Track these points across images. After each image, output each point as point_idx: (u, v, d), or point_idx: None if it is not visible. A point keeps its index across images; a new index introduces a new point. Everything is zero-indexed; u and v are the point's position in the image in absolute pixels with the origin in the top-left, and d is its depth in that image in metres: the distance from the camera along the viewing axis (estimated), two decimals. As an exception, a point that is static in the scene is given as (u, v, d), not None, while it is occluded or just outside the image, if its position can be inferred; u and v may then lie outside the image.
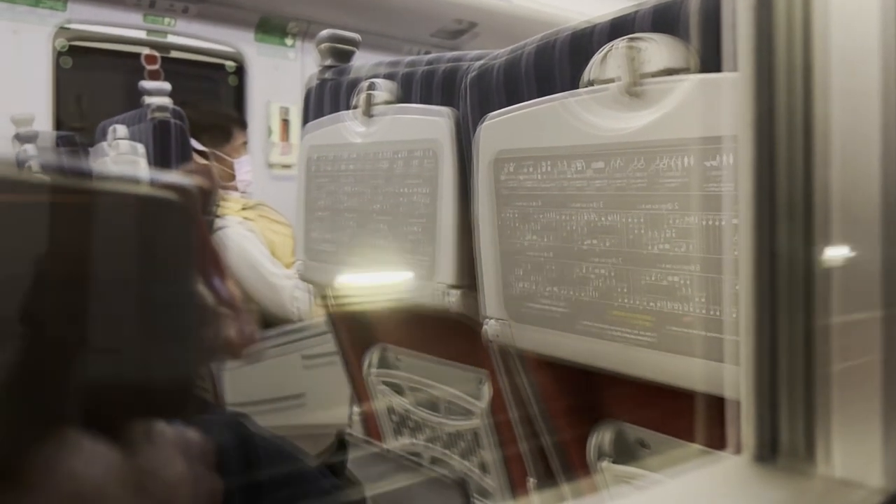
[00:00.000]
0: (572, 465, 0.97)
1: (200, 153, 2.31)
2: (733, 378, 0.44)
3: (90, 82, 2.90)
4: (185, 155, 2.03)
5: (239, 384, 1.89)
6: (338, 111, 1.25)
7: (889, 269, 0.38)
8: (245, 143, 2.51)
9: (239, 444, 0.48)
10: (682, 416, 0.65)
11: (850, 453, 0.40)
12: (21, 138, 2.26)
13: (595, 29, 0.83)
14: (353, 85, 1.21)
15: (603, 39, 0.80)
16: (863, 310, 0.39)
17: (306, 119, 1.35)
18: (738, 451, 0.43)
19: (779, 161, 0.42)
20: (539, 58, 0.89)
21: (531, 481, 1.05)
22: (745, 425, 0.43)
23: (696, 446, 0.61)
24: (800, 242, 0.41)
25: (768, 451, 0.43)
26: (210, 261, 0.41)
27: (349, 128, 1.20)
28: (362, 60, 1.34)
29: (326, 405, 1.77)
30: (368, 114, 1.16)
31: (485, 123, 0.92)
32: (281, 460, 0.52)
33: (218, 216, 2.10)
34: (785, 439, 0.42)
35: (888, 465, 0.39)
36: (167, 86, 2.15)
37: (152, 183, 0.29)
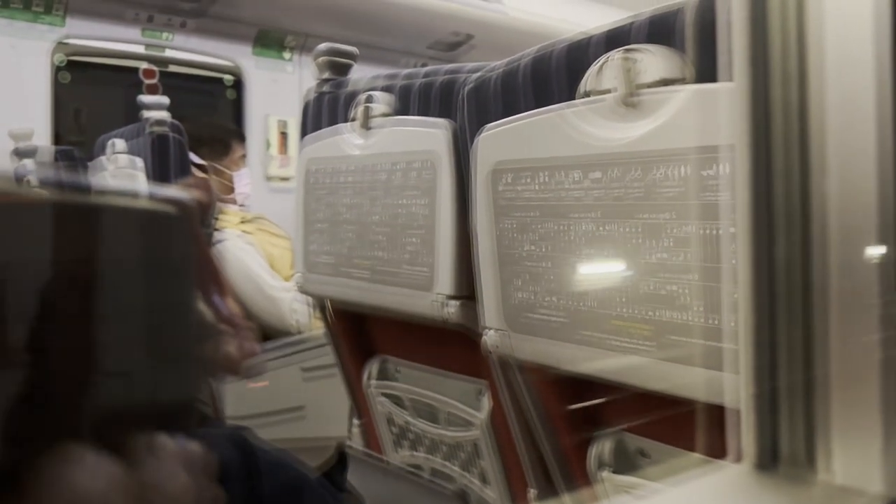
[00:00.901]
0: (573, 475, 0.97)
1: (199, 167, 2.32)
2: (733, 386, 0.44)
3: (89, 97, 2.91)
4: (183, 168, 2.03)
5: (239, 397, 1.89)
6: (336, 124, 1.25)
7: (886, 276, 0.39)
8: (243, 156, 2.52)
9: (240, 457, 0.48)
10: (683, 425, 0.65)
11: (850, 460, 0.40)
12: (20, 153, 2.27)
13: (591, 40, 0.83)
14: (351, 98, 1.22)
15: (599, 51, 0.81)
16: (861, 317, 0.39)
17: (304, 132, 1.35)
18: (738, 459, 0.44)
19: (775, 169, 0.42)
20: (536, 69, 0.90)
21: (532, 492, 1.05)
22: (745, 433, 0.43)
23: (696, 455, 0.61)
24: (797, 250, 0.41)
25: (769, 459, 0.43)
26: (209, 276, 0.41)
27: (347, 140, 1.20)
28: (360, 73, 1.35)
29: (326, 417, 1.77)
30: (366, 126, 1.16)
31: (482, 135, 0.93)
32: (282, 473, 0.52)
33: (216, 229, 2.11)
34: (785, 447, 0.42)
35: (888, 471, 0.39)
36: (165, 100, 2.16)
37: (150, 197, 0.29)
